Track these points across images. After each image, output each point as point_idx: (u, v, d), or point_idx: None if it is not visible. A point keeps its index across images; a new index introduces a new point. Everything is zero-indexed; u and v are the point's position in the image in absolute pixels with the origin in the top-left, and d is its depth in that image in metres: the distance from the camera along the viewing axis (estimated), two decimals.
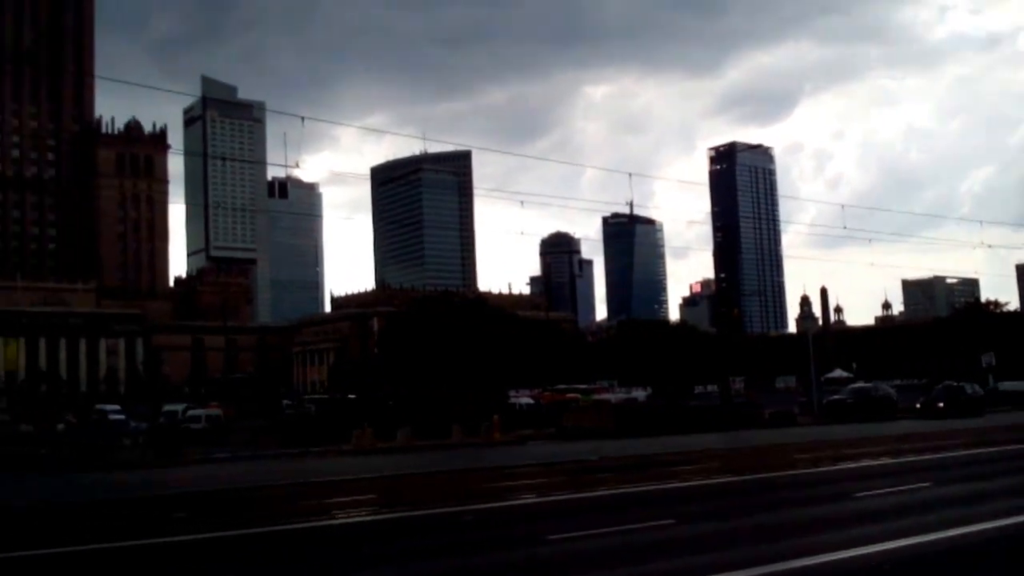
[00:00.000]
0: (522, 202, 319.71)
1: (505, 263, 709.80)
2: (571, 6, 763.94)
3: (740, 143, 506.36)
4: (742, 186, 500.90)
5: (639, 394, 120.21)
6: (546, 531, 18.75)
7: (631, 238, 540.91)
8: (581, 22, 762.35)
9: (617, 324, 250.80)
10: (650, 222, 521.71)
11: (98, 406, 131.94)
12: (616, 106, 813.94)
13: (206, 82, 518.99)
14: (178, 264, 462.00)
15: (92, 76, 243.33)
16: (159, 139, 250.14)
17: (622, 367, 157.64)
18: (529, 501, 25.87)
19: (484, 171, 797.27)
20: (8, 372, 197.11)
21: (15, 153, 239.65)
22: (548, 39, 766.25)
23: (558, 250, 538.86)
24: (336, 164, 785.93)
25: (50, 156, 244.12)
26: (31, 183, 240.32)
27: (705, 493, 26.74)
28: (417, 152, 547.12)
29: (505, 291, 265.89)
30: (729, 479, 30.42)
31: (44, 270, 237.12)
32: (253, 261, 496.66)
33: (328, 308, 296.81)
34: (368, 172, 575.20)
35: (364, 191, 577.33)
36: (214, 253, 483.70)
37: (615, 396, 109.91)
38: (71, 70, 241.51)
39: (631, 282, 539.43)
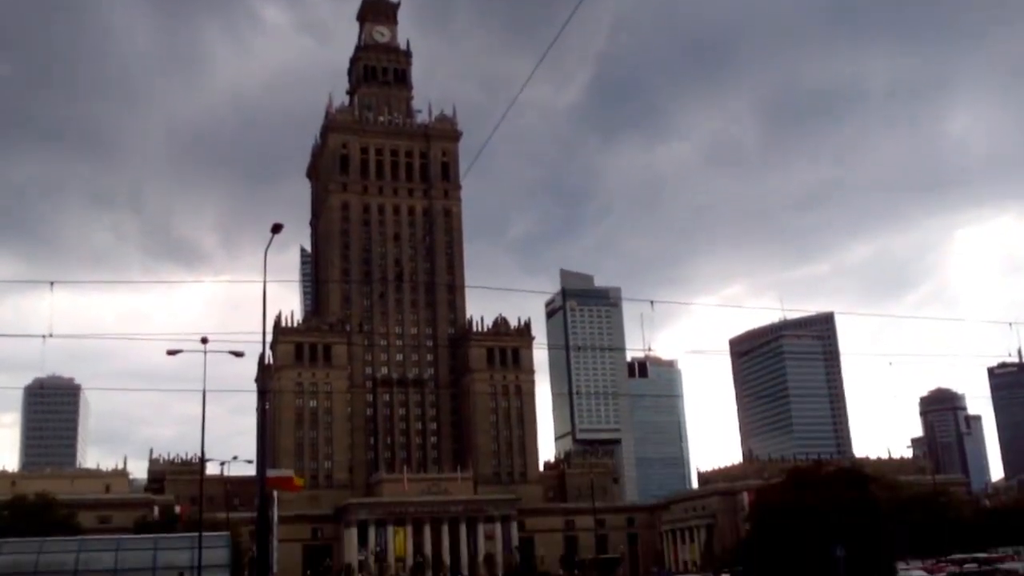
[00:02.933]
0: (891, 363, 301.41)
1: (881, 426, 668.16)
2: (932, 153, 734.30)
3: None
4: None
5: None
6: None
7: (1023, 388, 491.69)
8: (946, 167, 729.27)
9: (1017, 483, 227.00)
10: None
11: None
12: (995, 248, 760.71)
13: (564, 275, 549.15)
14: (547, 449, 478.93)
15: (463, 285, 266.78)
16: (524, 332, 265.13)
17: None
18: None
19: (851, 331, 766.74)
20: (397, 558, 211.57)
21: (399, 357, 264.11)
22: (911, 188, 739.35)
23: (940, 407, 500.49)
24: (693, 339, 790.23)
25: (428, 357, 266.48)
26: (413, 383, 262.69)
27: None
28: (776, 320, 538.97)
29: (884, 456, 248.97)
30: None
31: (427, 462, 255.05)
32: (618, 441, 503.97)
33: (695, 483, 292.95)
34: (727, 344, 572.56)
35: (724, 363, 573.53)
36: (580, 435, 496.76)
37: (1022, 565, 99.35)
38: (445, 281, 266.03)
39: None
